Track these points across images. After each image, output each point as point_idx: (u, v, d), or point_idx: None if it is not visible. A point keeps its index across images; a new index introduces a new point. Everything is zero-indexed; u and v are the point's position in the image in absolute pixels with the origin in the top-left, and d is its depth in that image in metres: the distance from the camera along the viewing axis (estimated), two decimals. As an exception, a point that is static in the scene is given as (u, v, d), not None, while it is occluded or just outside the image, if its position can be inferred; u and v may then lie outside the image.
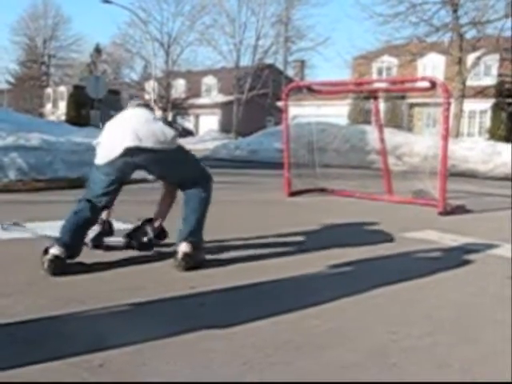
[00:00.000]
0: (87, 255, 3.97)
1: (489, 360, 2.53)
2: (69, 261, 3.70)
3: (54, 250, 3.62)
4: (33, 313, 2.85)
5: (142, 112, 4.10)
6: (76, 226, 3.83)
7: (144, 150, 3.84)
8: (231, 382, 2.22)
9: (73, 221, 3.85)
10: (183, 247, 3.88)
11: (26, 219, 5.11)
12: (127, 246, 4.27)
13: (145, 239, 4.23)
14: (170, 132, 3.96)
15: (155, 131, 3.89)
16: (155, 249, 4.27)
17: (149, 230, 4.26)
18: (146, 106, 4.40)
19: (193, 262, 3.86)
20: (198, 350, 2.47)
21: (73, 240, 3.75)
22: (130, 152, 3.83)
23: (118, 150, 3.83)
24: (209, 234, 4.16)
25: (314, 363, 2.39)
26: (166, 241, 4.29)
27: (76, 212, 3.90)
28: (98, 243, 4.24)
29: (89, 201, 3.93)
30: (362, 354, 2.51)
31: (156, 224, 4.29)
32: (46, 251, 3.64)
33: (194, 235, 3.97)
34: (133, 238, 4.27)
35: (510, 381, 2.31)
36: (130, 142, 3.80)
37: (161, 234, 4.35)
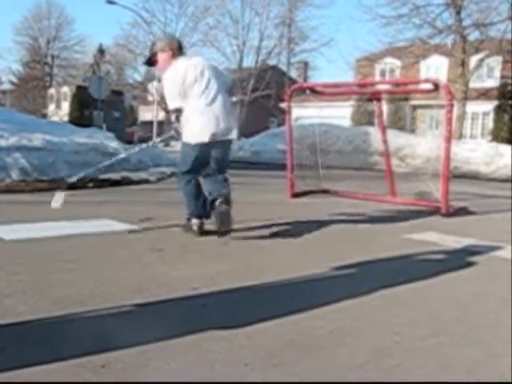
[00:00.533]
0: (85, 254, 3.98)
1: (493, 361, 2.53)
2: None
3: (196, 221, 4.88)
4: (35, 313, 2.85)
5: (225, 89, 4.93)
6: (193, 195, 4.82)
7: (225, 141, 4.81)
8: (233, 382, 2.22)
9: (188, 193, 4.85)
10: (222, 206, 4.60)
11: (29, 220, 5.11)
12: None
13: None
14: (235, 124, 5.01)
15: (235, 124, 4.96)
16: (157, 249, 4.27)
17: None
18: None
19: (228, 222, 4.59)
20: (200, 351, 2.46)
21: (200, 207, 4.83)
22: (215, 142, 4.71)
23: (206, 137, 4.65)
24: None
25: (316, 364, 2.39)
26: (166, 243, 4.29)
27: (184, 187, 4.86)
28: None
29: (185, 173, 4.83)
30: (366, 355, 2.50)
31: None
32: (188, 220, 4.93)
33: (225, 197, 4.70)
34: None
35: (509, 381, 2.30)
36: (219, 137, 4.71)
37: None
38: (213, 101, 4.70)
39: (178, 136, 4.89)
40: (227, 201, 4.61)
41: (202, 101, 4.67)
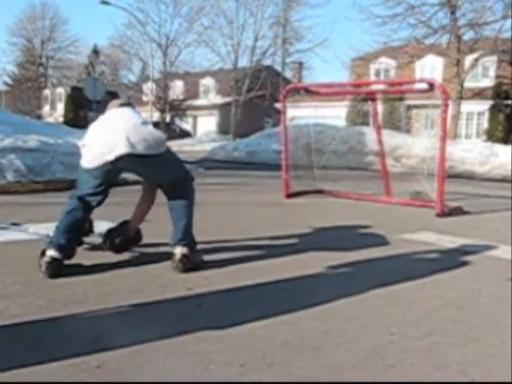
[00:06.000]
0: (85, 257, 3.97)
1: (487, 361, 2.53)
2: (67, 262, 3.70)
3: (51, 252, 3.63)
4: (31, 314, 2.85)
5: (129, 113, 4.05)
6: (70, 226, 3.79)
7: (136, 155, 3.79)
8: (228, 382, 2.22)
9: (66, 222, 3.80)
10: (179, 249, 3.90)
11: (24, 221, 5.11)
12: (99, 247, 4.25)
13: (117, 240, 4.19)
14: (159, 136, 3.95)
15: (146, 136, 3.84)
16: (156, 250, 4.26)
17: (123, 231, 4.25)
18: (129, 104, 4.30)
19: (190, 264, 3.88)
20: (195, 351, 2.47)
21: (68, 241, 3.73)
22: (121, 158, 3.77)
23: (108, 157, 3.76)
24: (206, 235, 4.17)
25: (311, 364, 2.39)
26: (162, 242, 4.29)
27: (69, 212, 3.84)
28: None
29: (80, 199, 3.88)
30: (360, 355, 2.51)
31: (131, 226, 4.29)
32: (43, 253, 3.65)
33: (186, 238, 3.98)
34: (107, 238, 4.22)
35: (509, 381, 2.31)
36: (123, 149, 3.74)
37: (136, 236, 4.34)
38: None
39: None
40: None
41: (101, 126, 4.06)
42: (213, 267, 3.95)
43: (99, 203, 3.99)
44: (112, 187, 4.04)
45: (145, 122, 4.01)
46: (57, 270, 3.60)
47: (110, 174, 3.93)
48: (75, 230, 3.86)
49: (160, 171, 4.03)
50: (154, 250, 4.32)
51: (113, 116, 4.05)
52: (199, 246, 4.12)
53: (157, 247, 4.37)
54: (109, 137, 3.84)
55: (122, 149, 3.75)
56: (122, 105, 4.22)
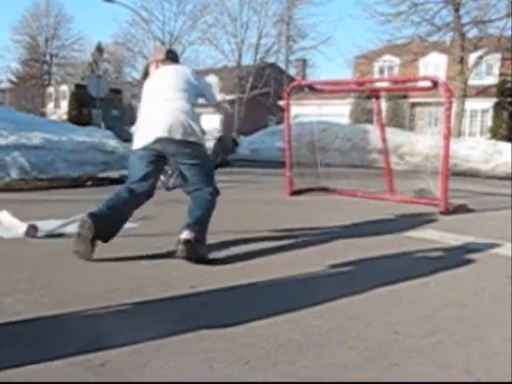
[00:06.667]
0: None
1: (492, 360, 2.52)
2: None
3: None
4: (34, 312, 2.85)
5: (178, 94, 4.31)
6: (113, 203, 4.05)
7: (173, 140, 4.09)
8: (232, 381, 2.21)
9: (111, 199, 4.09)
10: (185, 234, 3.90)
11: (28, 218, 5.11)
12: None
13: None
14: (197, 127, 4.20)
15: (184, 123, 4.12)
16: (158, 248, 4.26)
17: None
18: (174, 60, 4.77)
19: (193, 252, 3.86)
20: (198, 350, 2.46)
21: (106, 217, 3.93)
22: (160, 141, 4.09)
23: (150, 138, 4.10)
24: (210, 232, 4.16)
25: (316, 362, 2.39)
26: (163, 240, 4.28)
27: (117, 193, 4.14)
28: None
29: (127, 187, 4.16)
30: (364, 354, 2.50)
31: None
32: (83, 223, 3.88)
33: (198, 225, 4.01)
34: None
35: (509, 381, 2.30)
36: (161, 133, 4.07)
37: None
38: (159, 106, 4.28)
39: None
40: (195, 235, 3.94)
41: (151, 106, 4.36)
42: (216, 264, 3.95)
43: (145, 194, 4.19)
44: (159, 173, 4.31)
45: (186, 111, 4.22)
46: (84, 244, 3.87)
47: (154, 158, 4.16)
48: (117, 210, 4.05)
49: (194, 164, 4.20)
50: (155, 248, 4.31)
51: (162, 88, 4.36)
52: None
53: (158, 246, 4.36)
54: (154, 119, 4.19)
55: (159, 132, 4.09)
56: (167, 59, 4.68)
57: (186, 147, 4.14)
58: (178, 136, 4.10)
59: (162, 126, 4.09)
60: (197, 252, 3.90)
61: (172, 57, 4.80)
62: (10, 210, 5.05)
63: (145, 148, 4.13)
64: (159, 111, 4.21)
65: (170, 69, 4.57)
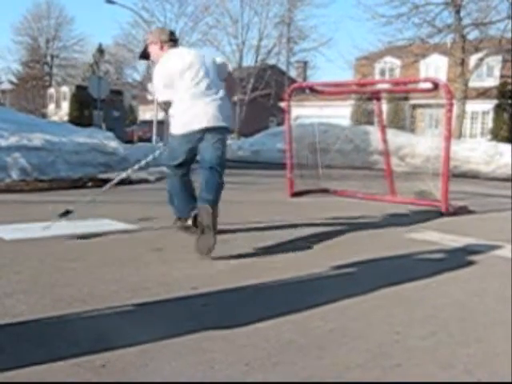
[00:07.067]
0: (88, 254, 3.97)
1: (493, 360, 2.52)
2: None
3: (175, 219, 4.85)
4: (35, 313, 2.85)
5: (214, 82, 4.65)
6: (175, 191, 4.76)
7: (214, 128, 4.50)
8: (234, 382, 2.22)
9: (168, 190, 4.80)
10: (209, 208, 4.07)
11: (29, 219, 5.12)
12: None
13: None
14: (230, 111, 4.68)
15: (224, 111, 4.57)
16: (156, 249, 4.26)
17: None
18: (176, 41, 4.99)
19: (214, 224, 4.03)
20: (200, 351, 2.46)
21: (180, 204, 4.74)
22: (203, 130, 4.46)
23: (195, 126, 4.47)
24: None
25: (317, 364, 2.39)
26: (165, 240, 4.29)
27: (168, 184, 4.85)
28: None
29: (170, 167, 4.78)
30: (366, 355, 2.50)
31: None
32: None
33: (216, 199, 4.37)
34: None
35: (509, 381, 2.30)
36: (205, 123, 4.45)
37: None
38: (202, 92, 4.55)
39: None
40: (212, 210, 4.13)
41: (189, 92, 4.55)
42: (218, 265, 3.95)
43: (185, 164, 4.76)
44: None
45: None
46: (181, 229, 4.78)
47: (193, 145, 4.57)
48: (181, 193, 4.75)
49: (219, 146, 4.57)
50: (155, 249, 4.31)
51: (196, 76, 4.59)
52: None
53: (158, 247, 4.36)
54: (201, 106, 4.50)
55: (209, 123, 4.46)
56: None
57: (221, 132, 4.56)
58: (218, 123, 4.50)
59: (208, 117, 4.46)
60: (205, 243, 3.99)
61: (175, 39, 4.96)
62: (10, 211, 5.05)
63: (187, 135, 4.51)
64: (203, 103, 4.50)
65: (194, 54, 4.74)
